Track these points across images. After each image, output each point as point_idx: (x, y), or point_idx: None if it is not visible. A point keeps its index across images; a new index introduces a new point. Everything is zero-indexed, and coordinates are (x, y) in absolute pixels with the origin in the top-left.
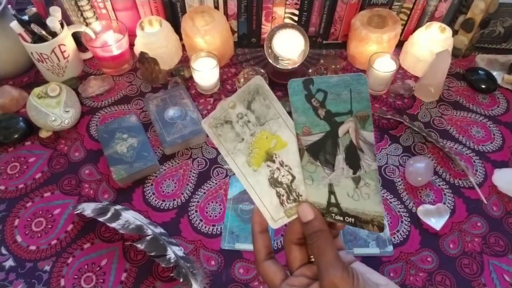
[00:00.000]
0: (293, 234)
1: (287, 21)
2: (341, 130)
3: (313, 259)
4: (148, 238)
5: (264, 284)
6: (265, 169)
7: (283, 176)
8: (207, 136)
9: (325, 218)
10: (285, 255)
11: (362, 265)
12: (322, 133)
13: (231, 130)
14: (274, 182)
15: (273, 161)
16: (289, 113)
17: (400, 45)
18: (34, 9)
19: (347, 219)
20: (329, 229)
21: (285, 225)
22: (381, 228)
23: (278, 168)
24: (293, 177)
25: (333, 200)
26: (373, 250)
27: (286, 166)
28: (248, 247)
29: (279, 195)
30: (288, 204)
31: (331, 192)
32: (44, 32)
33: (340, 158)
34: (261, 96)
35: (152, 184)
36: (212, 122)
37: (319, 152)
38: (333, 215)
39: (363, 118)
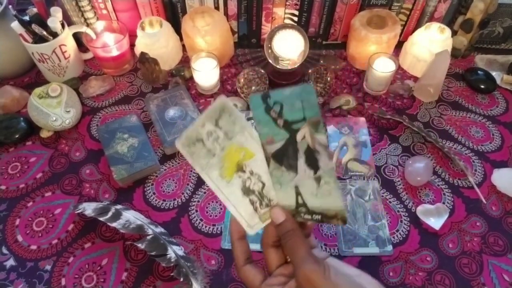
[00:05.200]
0: (269, 238)
1: (287, 21)
2: (298, 136)
3: (289, 259)
4: (148, 237)
5: None
6: (237, 180)
7: (254, 184)
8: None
9: (296, 219)
10: (264, 258)
11: (335, 260)
12: (283, 140)
13: (203, 147)
14: (246, 191)
15: (244, 171)
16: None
17: (399, 45)
18: (35, 10)
19: (314, 216)
20: (301, 229)
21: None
22: (344, 221)
23: (249, 177)
24: (263, 184)
25: (300, 201)
26: (372, 249)
27: (256, 174)
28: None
29: (252, 202)
30: (261, 210)
31: (298, 193)
32: (45, 33)
33: (301, 161)
34: (226, 113)
35: (152, 184)
36: (185, 141)
37: (283, 158)
38: (302, 214)
39: (315, 123)
